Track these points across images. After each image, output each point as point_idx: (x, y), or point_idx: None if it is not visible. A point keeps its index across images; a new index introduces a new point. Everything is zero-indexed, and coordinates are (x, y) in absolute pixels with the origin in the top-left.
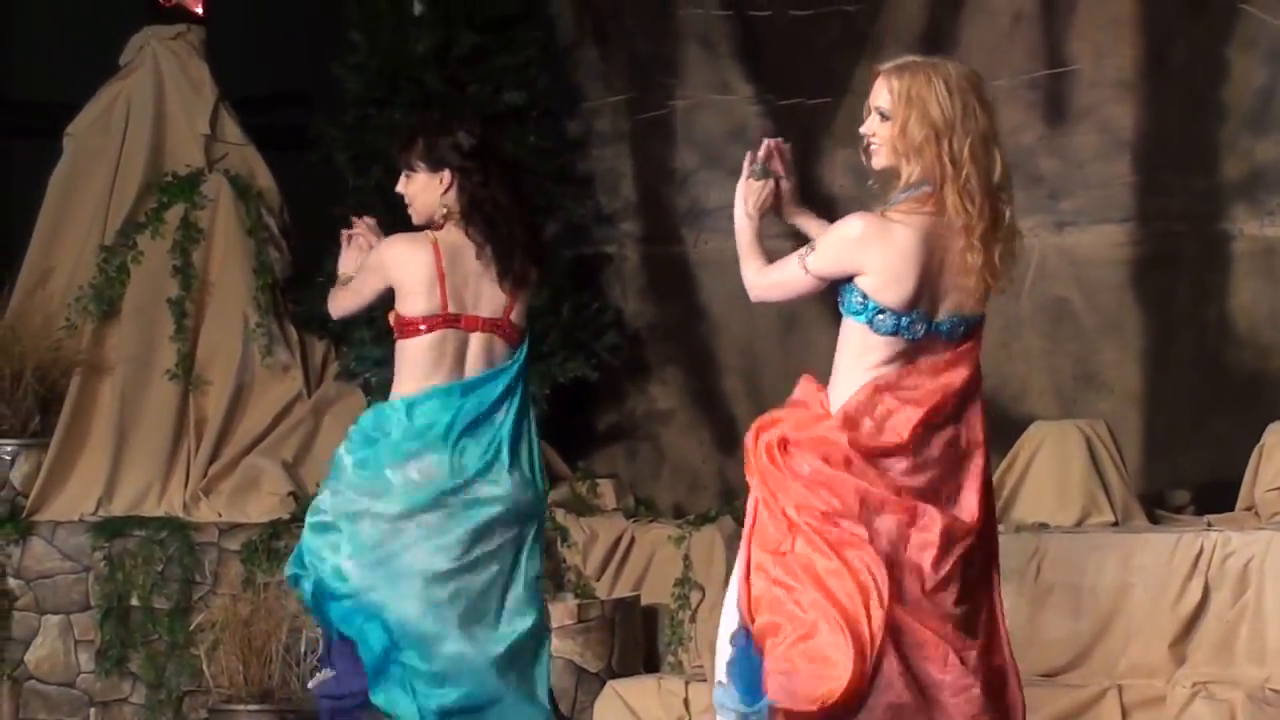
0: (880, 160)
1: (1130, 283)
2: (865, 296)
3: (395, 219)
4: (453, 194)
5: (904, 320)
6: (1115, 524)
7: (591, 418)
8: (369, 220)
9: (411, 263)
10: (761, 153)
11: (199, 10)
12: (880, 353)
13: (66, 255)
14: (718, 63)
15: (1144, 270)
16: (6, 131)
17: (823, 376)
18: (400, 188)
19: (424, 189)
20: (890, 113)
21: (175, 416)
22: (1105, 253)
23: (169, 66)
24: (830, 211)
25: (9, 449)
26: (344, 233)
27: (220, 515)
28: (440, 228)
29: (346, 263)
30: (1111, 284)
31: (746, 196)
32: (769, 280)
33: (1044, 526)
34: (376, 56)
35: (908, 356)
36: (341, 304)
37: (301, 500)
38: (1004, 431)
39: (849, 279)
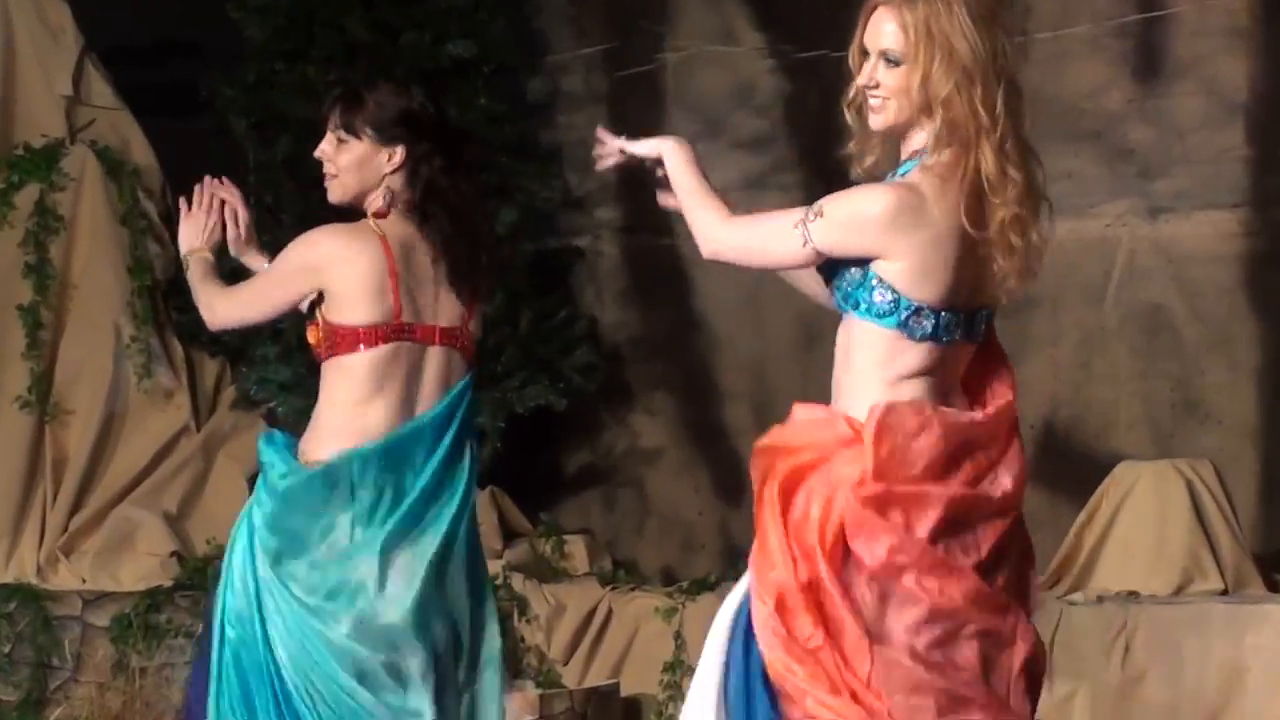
0: (887, 118)
1: (1243, 284)
2: (895, 293)
3: (307, 201)
4: (400, 176)
5: (943, 320)
6: (1224, 592)
7: (558, 458)
8: (230, 187)
9: (354, 260)
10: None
11: None
12: (912, 361)
13: None
14: (719, 5)
15: (1260, 268)
16: None
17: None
18: (326, 154)
19: (363, 162)
20: (903, 55)
21: (27, 455)
22: (1212, 246)
23: (21, 9)
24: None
25: None
26: (185, 199)
27: (84, 581)
28: (381, 214)
29: (187, 238)
30: (1220, 286)
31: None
32: (741, 238)
33: (1134, 595)
34: None
35: (940, 364)
36: (231, 312)
37: (187, 562)
38: (1083, 474)
39: (861, 264)
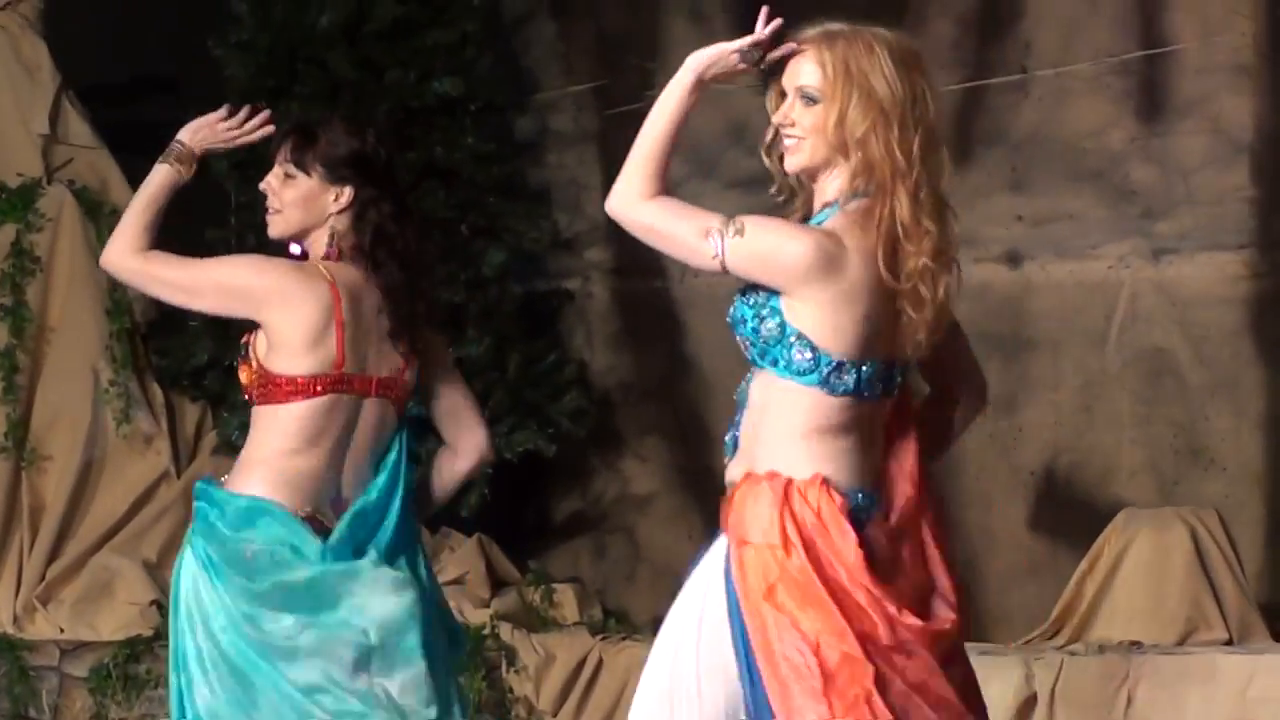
0: (801, 159)
1: (1248, 328)
2: (814, 350)
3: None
4: (346, 218)
5: (864, 375)
6: (1229, 642)
7: (547, 504)
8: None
9: (300, 305)
10: (770, 42)
11: None
12: (833, 418)
13: None
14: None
15: (1266, 311)
16: None
17: None
18: (271, 187)
19: (310, 199)
20: (820, 93)
21: (3, 502)
22: (1216, 288)
23: None
24: None
25: None
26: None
27: (62, 631)
28: (331, 257)
29: (192, 131)
30: (1225, 329)
31: (710, 64)
32: (652, 218)
33: (1136, 646)
34: (267, 33)
35: (861, 420)
36: (140, 272)
37: (167, 610)
38: (1085, 522)
39: (775, 315)
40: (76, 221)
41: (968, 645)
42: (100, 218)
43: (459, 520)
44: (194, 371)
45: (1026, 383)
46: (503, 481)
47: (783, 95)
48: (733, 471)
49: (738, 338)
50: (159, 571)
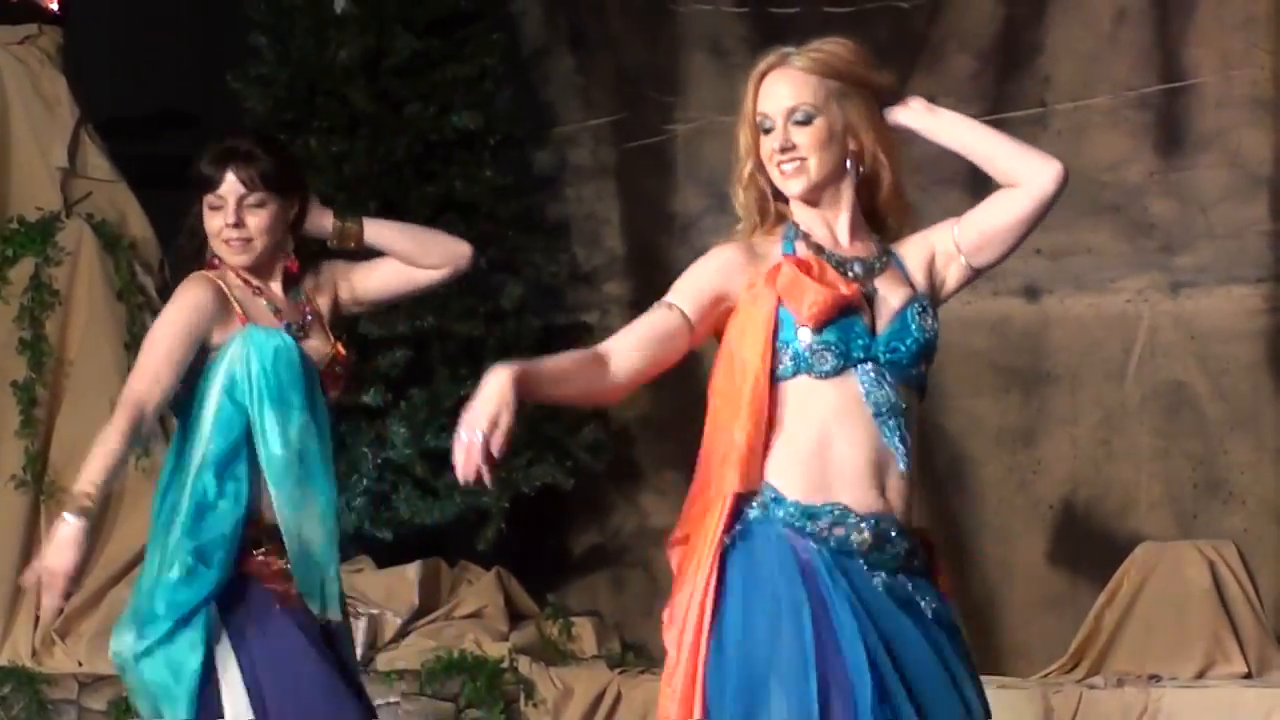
0: (807, 179)
1: (1267, 361)
2: None
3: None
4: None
5: None
6: (1248, 675)
7: (565, 538)
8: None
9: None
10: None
11: (54, 6)
12: None
13: None
14: (730, 74)
15: None
16: None
17: None
18: (246, 221)
19: (278, 223)
20: (815, 109)
21: (21, 535)
22: (1235, 323)
23: (15, 79)
24: None
25: None
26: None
27: (80, 665)
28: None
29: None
30: (1243, 363)
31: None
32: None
33: (1155, 679)
34: (287, 67)
35: None
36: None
37: None
38: (1104, 555)
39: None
40: (95, 255)
41: (987, 677)
42: (119, 251)
43: (477, 554)
44: None
45: (1045, 416)
46: (521, 515)
47: (763, 130)
48: None
49: (923, 363)
50: None
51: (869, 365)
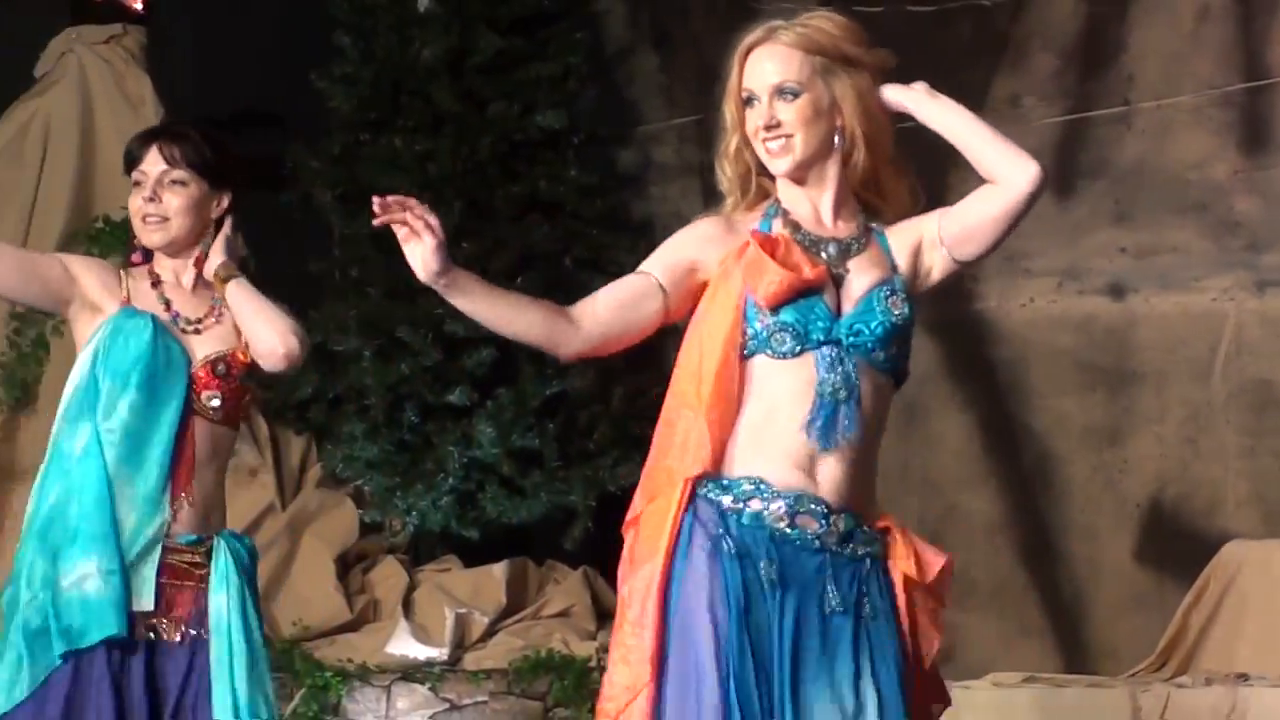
0: (793, 156)
1: None
2: None
3: (394, 274)
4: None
5: None
6: None
7: None
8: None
9: None
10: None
11: (139, 6)
12: None
13: None
14: None
15: None
16: None
17: (954, 481)
18: (164, 198)
19: (199, 207)
20: (801, 84)
21: None
22: None
23: (100, 79)
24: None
25: None
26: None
27: None
28: (225, 276)
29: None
30: None
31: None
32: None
33: (1243, 678)
34: (371, 66)
35: None
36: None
37: (273, 644)
38: (1190, 554)
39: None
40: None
41: (1075, 677)
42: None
43: (564, 553)
44: (299, 405)
45: (1131, 415)
46: (607, 514)
47: (746, 103)
48: None
49: (892, 346)
50: (264, 604)
51: (829, 348)
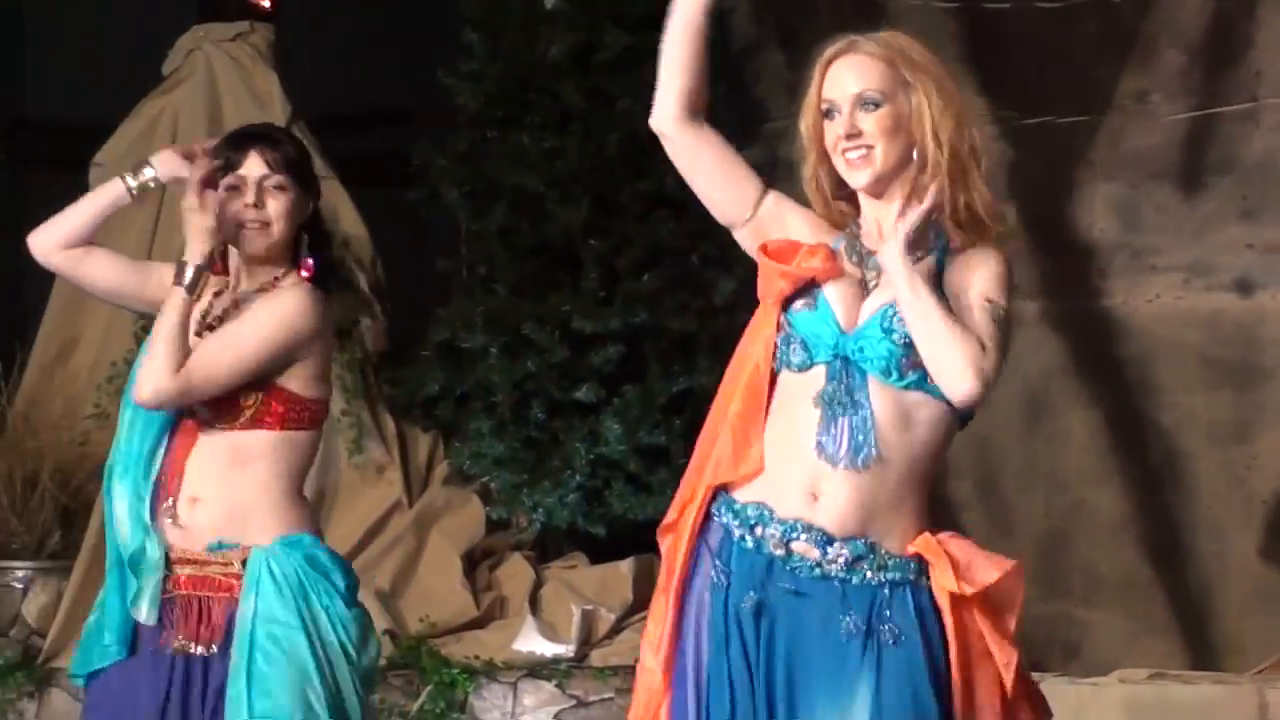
0: (872, 169)
1: None
2: None
3: (522, 271)
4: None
5: None
6: None
7: None
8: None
9: (328, 328)
10: None
11: (266, 4)
12: None
13: (94, 322)
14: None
15: None
16: (19, 160)
17: (1080, 477)
18: (267, 203)
19: (297, 211)
20: (883, 94)
21: None
22: None
23: (227, 76)
24: (1086, 261)
25: (20, 575)
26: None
27: None
28: (303, 276)
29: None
30: None
31: None
32: (990, 361)
33: None
34: (498, 63)
35: None
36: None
37: (400, 641)
38: None
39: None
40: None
41: (1202, 673)
42: (333, 247)
43: None
44: (425, 402)
45: (1260, 411)
46: None
47: (826, 114)
48: None
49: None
50: (392, 601)
51: (840, 361)
